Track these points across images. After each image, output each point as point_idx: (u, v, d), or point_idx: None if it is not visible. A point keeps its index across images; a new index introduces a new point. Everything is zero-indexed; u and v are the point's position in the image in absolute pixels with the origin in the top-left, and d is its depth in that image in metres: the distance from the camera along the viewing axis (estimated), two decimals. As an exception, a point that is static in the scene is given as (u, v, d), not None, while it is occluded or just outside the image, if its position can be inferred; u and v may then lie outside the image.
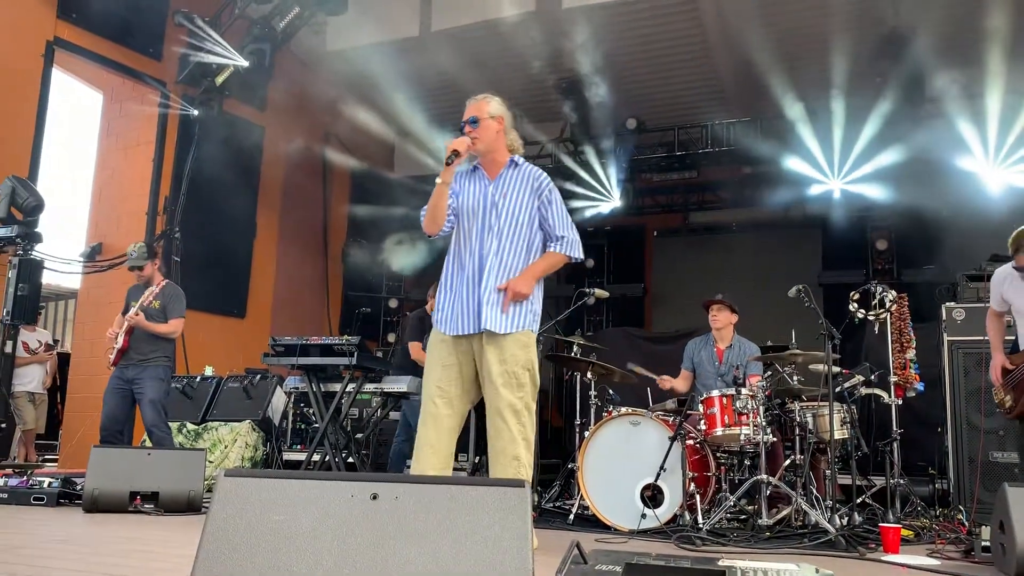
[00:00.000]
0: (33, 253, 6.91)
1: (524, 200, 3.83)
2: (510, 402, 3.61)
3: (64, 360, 9.76)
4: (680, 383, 6.14)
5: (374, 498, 1.94)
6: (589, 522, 5.13)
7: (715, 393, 5.14)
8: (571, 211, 10.91)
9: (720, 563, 1.97)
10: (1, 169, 7.24)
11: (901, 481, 5.58)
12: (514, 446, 3.60)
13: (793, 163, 9.39)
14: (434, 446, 3.65)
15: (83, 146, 11.05)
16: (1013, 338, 4.65)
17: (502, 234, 3.78)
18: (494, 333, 3.66)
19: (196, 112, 9.16)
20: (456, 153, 3.61)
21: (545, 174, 3.93)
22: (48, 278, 8.80)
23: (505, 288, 3.68)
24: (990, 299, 4.76)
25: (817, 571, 1.94)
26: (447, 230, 3.85)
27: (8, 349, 6.85)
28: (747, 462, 5.30)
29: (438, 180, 3.68)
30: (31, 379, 8.71)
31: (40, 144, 8.07)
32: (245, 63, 8.69)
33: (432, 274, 7.21)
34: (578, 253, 3.91)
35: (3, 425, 6.81)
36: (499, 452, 3.62)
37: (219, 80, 8.95)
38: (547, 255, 3.86)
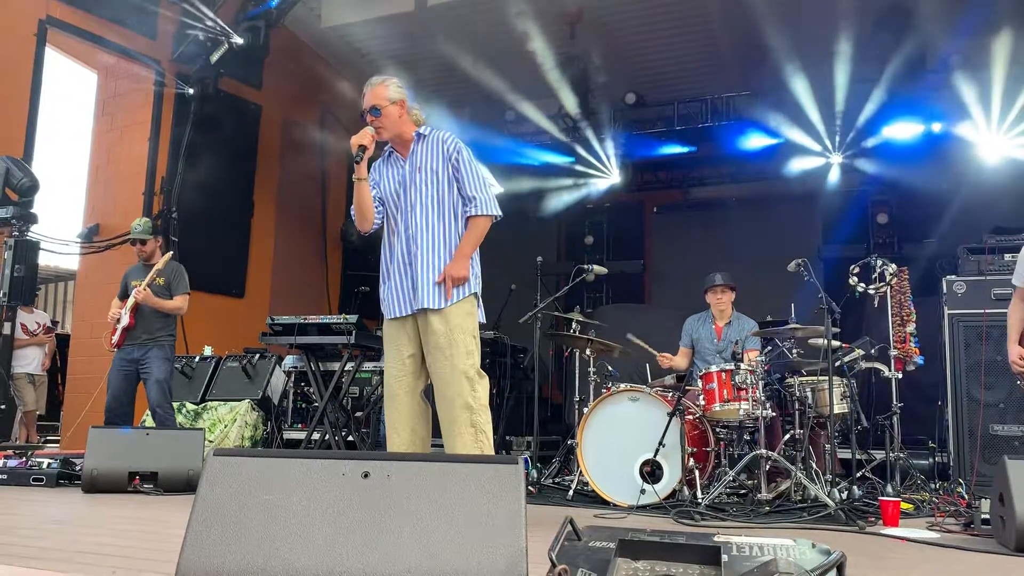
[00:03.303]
0: (29, 234, 6.89)
1: (439, 167, 3.80)
2: (462, 370, 3.61)
3: (64, 341, 9.77)
4: (679, 360, 6.14)
5: (366, 476, 1.92)
6: (588, 498, 5.14)
7: (714, 368, 5.12)
8: (570, 188, 10.80)
9: (716, 539, 1.95)
10: (-4, 150, 7.20)
11: (901, 455, 5.58)
12: (469, 413, 3.59)
13: (793, 137, 9.33)
14: (397, 428, 3.73)
15: (79, 126, 11.00)
16: None
17: (425, 207, 3.77)
18: (437, 308, 3.66)
19: (192, 91, 9.09)
20: (363, 148, 3.59)
21: (453, 136, 3.86)
22: (47, 260, 8.79)
23: (443, 279, 3.67)
24: (1015, 278, 4.13)
25: (814, 546, 1.92)
26: (379, 221, 3.87)
27: (7, 331, 6.85)
28: (746, 437, 5.29)
29: (354, 178, 3.69)
30: (30, 361, 8.72)
31: (34, 124, 8.01)
32: (240, 41, 8.61)
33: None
34: (494, 210, 3.82)
35: (3, 407, 6.81)
36: (452, 421, 3.61)
37: (214, 58, 8.89)
38: (469, 225, 3.79)
